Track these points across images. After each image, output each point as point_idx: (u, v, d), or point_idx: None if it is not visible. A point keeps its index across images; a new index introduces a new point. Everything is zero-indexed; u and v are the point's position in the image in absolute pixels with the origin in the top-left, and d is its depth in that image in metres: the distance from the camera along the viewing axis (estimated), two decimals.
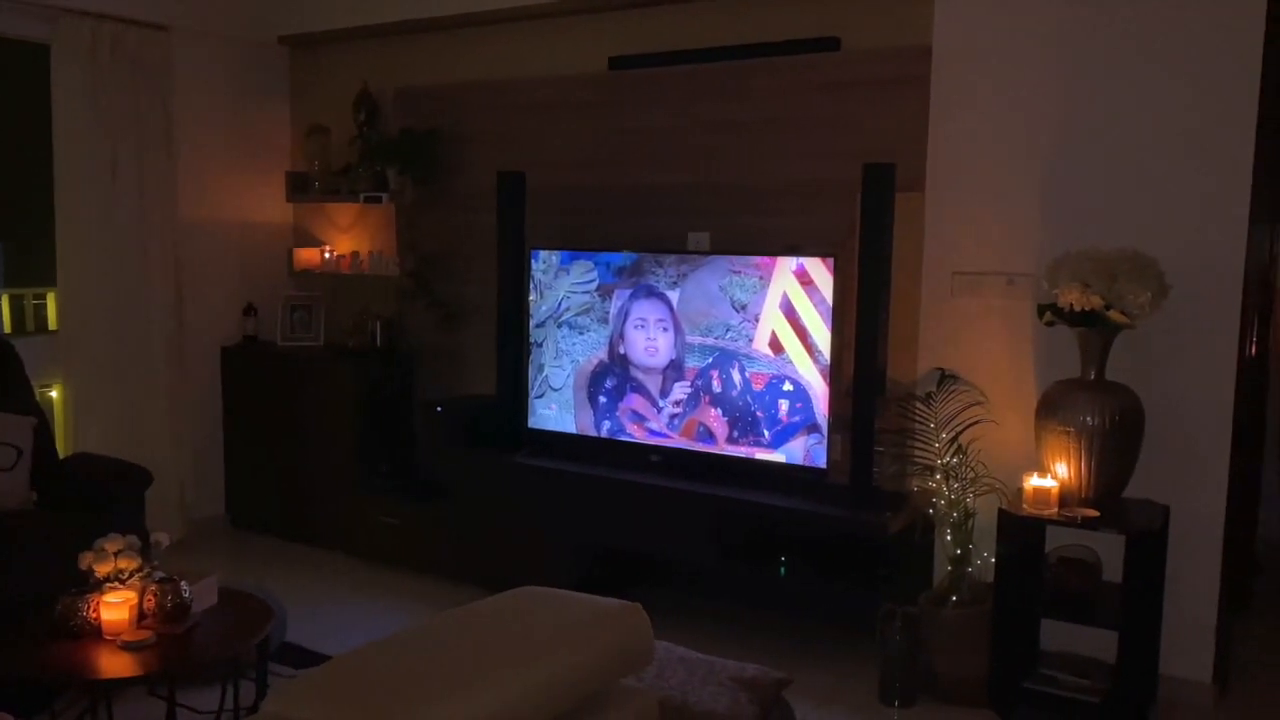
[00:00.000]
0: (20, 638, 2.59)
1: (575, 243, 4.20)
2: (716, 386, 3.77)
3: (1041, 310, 3.13)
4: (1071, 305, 2.98)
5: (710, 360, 3.78)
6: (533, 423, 4.24)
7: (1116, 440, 3.02)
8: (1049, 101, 3.32)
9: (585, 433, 4.11)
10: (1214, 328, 3.13)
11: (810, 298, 3.56)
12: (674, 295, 3.85)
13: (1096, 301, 2.96)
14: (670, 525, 3.73)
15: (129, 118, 4.46)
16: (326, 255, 5.05)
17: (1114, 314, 2.96)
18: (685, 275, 3.82)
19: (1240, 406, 3.16)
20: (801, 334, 3.58)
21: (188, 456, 4.80)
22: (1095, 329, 3.03)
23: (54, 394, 4.54)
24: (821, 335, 3.54)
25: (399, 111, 4.80)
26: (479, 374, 4.64)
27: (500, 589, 1.87)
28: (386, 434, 4.79)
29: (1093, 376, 3.09)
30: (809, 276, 3.56)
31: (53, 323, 5.05)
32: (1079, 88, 3.28)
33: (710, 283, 3.76)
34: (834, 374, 3.54)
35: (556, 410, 4.17)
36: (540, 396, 4.22)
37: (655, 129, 4.17)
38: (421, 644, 1.65)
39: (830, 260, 3.53)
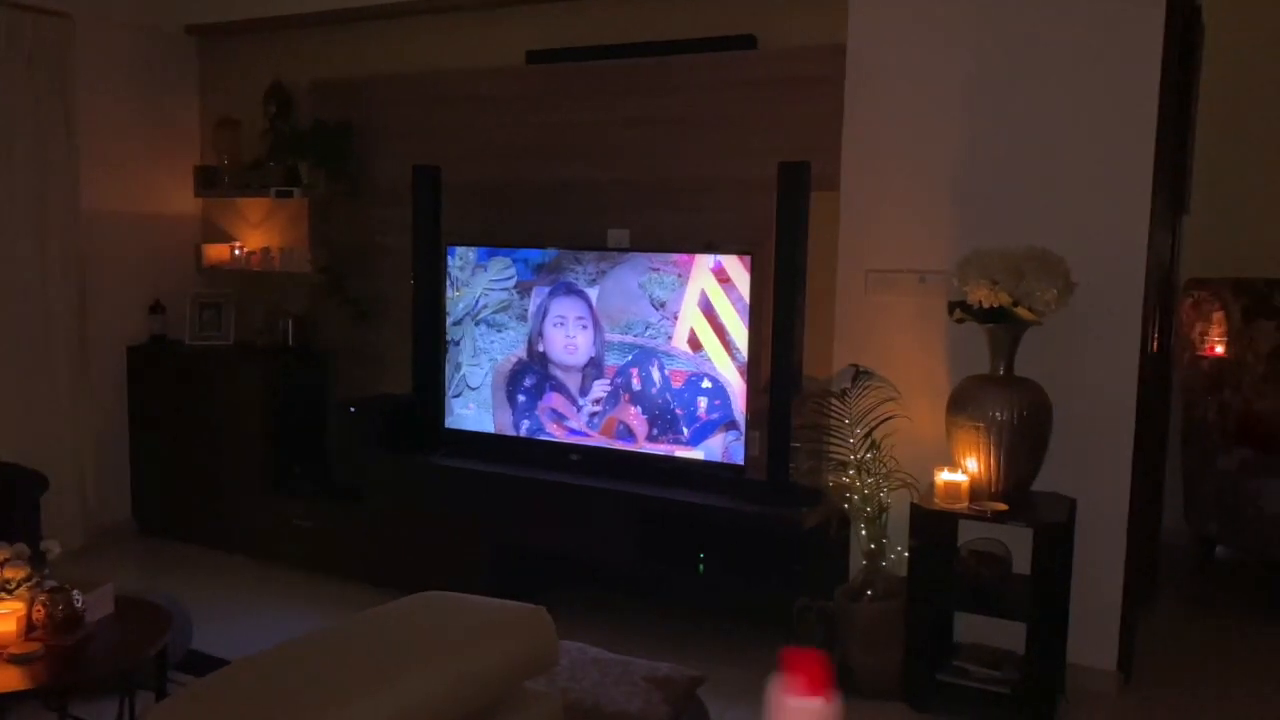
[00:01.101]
0: None
1: (493, 239, 4.15)
2: (636, 384, 3.75)
3: (952, 307, 3.17)
4: (980, 302, 3.02)
5: (630, 358, 3.76)
6: (450, 422, 4.17)
7: (1025, 434, 3.08)
8: (959, 101, 3.37)
9: (504, 432, 4.06)
10: (1118, 324, 3.20)
11: (728, 295, 3.56)
12: (593, 292, 3.82)
13: (1005, 298, 3.01)
14: (590, 524, 3.70)
15: (26, 107, 4.28)
16: (236, 251, 4.91)
17: (1021, 310, 3.01)
18: (605, 272, 3.79)
19: (1143, 401, 3.25)
20: (720, 331, 3.58)
21: (91, 459, 4.62)
22: (1003, 325, 3.08)
23: None
24: (739, 332, 3.55)
25: (312, 104, 4.69)
26: (395, 373, 4.55)
27: (415, 592, 1.82)
28: (300, 435, 4.68)
29: (1001, 372, 3.15)
30: (727, 274, 3.56)
31: None
32: (987, 88, 3.33)
33: (630, 280, 3.74)
34: (751, 371, 3.55)
35: (474, 410, 4.11)
36: (458, 395, 4.15)
37: (574, 124, 4.14)
38: (321, 648, 1.60)
39: (748, 258, 3.53)
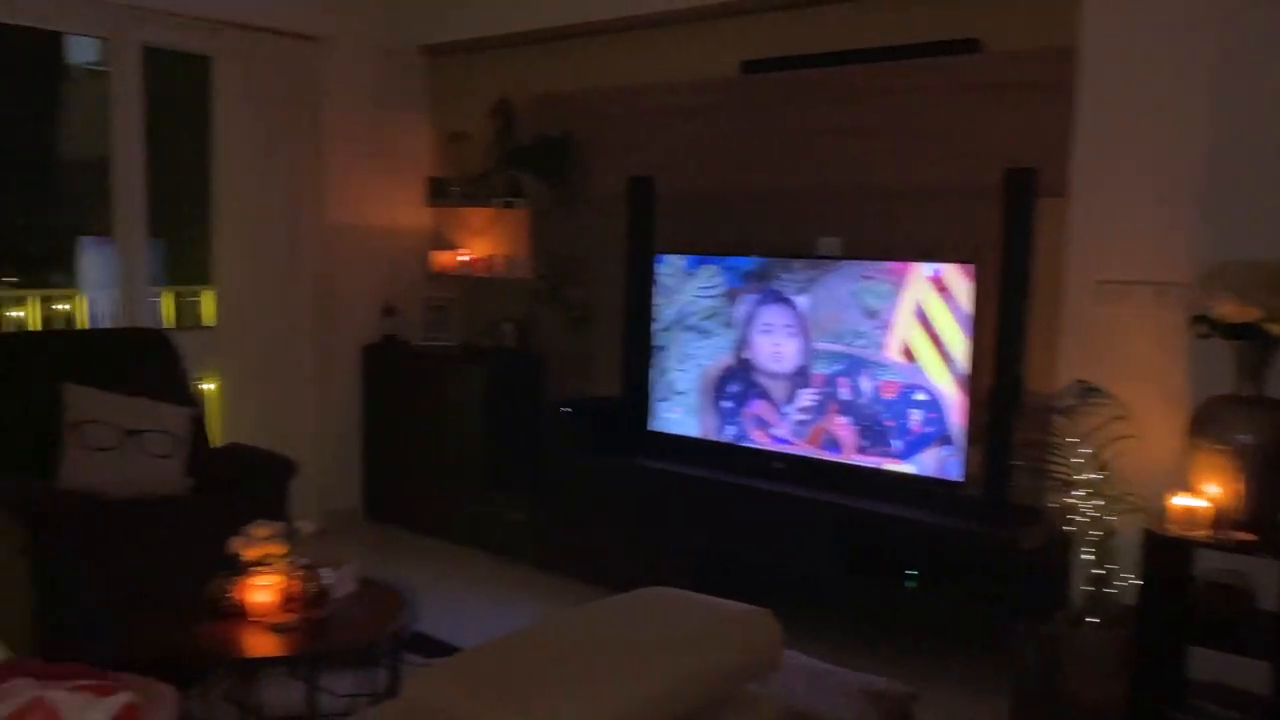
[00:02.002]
0: (176, 616, 2.75)
1: (703, 247, 4.21)
2: (845, 394, 3.72)
3: (1195, 321, 2.97)
4: (1228, 317, 2.82)
5: (839, 367, 3.73)
6: (656, 426, 4.26)
7: (1276, 461, 2.85)
8: (1202, 102, 3.15)
9: (708, 437, 4.11)
10: None
11: (946, 305, 3.47)
12: (802, 300, 3.81)
13: (1254, 313, 2.79)
14: (793, 533, 3.70)
15: (281, 125, 4.69)
16: (462, 258, 5.20)
17: (1274, 326, 2.79)
18: (815, 280, 3.78)
19: None
20: (936, 342, 3.50)
21: (329, 449, 5.01)
22: (1253, 342, 2.86)
23: (209, 387, 4.80)
24: (957, 344, 3.46)
25: (535, 118, 4.91)
26: (604, 376, 4.70)
27: (621, 589, 1.89)
28: (516, 433, 4.90)
29: (1251, 393, 2.92)
30: (945, 284, 3.48)
31: (205, 319, 5.36)
32: (1235, 86, 3.10)
33: (841, 288, 3.72)
34: (970, 384, 3.44)
35: (680, 414, 4.19)
36: (664, 400, 4.24)
37: (786, 132, 4.15)
38: (552, 638, 1.69)
39: (969, 267, 3.44)
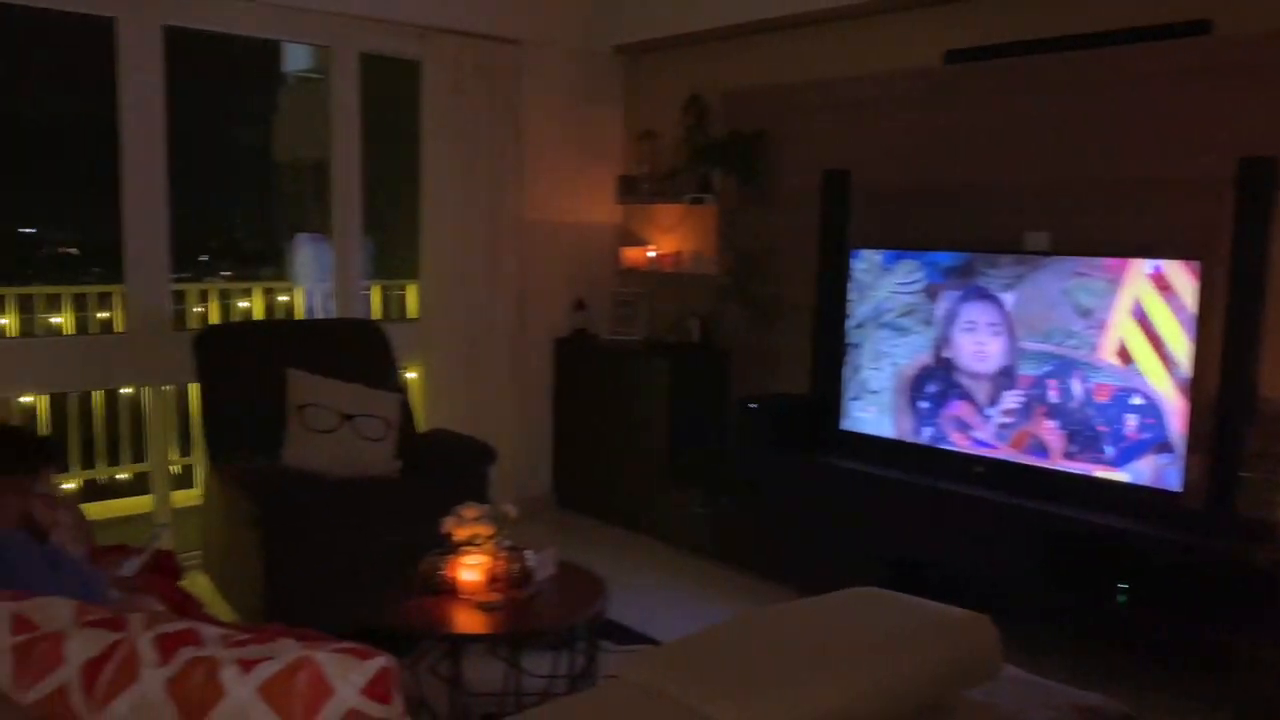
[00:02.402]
0: (389, 591, 2.90)
1: (901, 242, 4.11)
2: (1053, 396, 3.55)
3: None
4: None
5: (1047, 368, 3.56)
6: (847, 425, 4.19)
7: None
8: None
9: (903, 438, 4.01)
10: None
11: (1168, 304, 3.26)
12: (1008, 298, 3.66)
13: None
14: (991, 540, 3.56)
15: (484, 125, 4.88)
16: (651, 254, 5.27)
17: None
18: (1022, 277, 3.63)
19: None
20: (1155, 344, 3.29)
21: (522, 438, 5.19)
22: None
23: (412, 375, 5.06)
24: (1180, 346, 3.24)
25: (726, 114, 4.91)
26: (790, 374, 4.66)
27: (805, 588, 1.88)
28: (700, 427, 4.93)
29: None
30: (1167, 281, 3.27)
31: (411, 311, 5.64)
32: None
33: (1050, 285, 3.55)
34: (1193, 389, 3.22)
35: (873, 413, 4.10)
36: (856, 399, 4.16)
37: (991, 123, 3.99)
38: (764, 633, 1.69)
39: (1194, 264, 3.21)
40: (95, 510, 4.95)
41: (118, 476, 5.10)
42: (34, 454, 2.28)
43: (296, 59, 8.56)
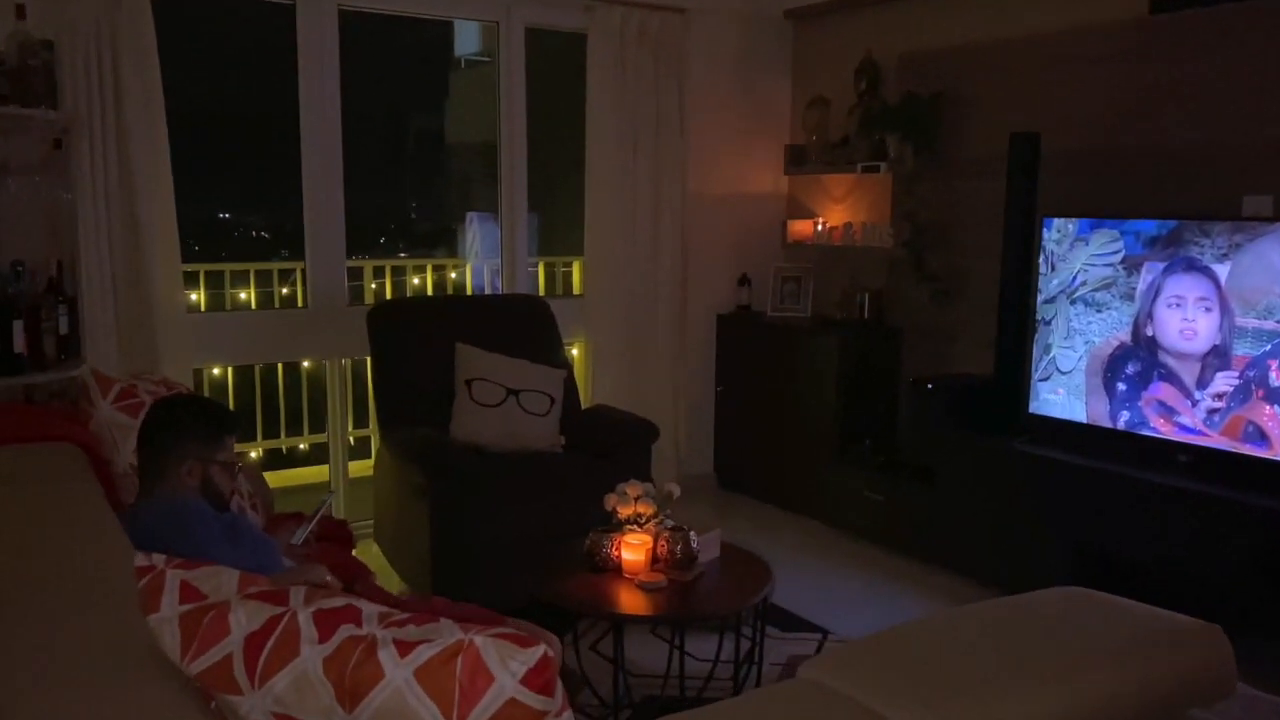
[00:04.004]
0: (551, 565, 2.87)
1: (1096, 210, 3.77)
2: (1275, 380, 3.18)
3: None
4: None
5: (1268, 348, 3.19)
6: (1034, 408, 3.90)
7: None
8: None
9: (1097, 423, 3.70)
10: None
11: None
12: (1222, 270, 3.30)
13: None
14: (1199, 536, 3.22)
15: (648, 97, 4.79)
16: (819, 227, 5.07)
17: None
18: (1239, 246, 3.26)
19: None
20: None
21: (684, 416, 5.10)
22: None
23: (575, 352, 5.04)
24: None
25: (900, 78, 4.65)
26: (968, 352, 4.39)
27: (984, 581, 1.72)
28: (869, 408, 4.71)
29: None
30: None
31: (576, 288, 5.63)
32: None
33: (1272, 255, 3.17)
34: None
35: (1063, 395, 3.80)
36: (1045, 379, 3.87)
37: (1204, 78, 3.60)
38: (958, 633, 1.53)
39: None
40: (276, 479, 5.18)
41: (300, 446, 5.32)
42: (215, 423, 2.33)
43: (467, 42, 8.74)
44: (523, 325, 4.22)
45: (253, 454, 5.16)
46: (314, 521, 2.64)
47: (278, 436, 5.21)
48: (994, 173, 4.04)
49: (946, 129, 4.47)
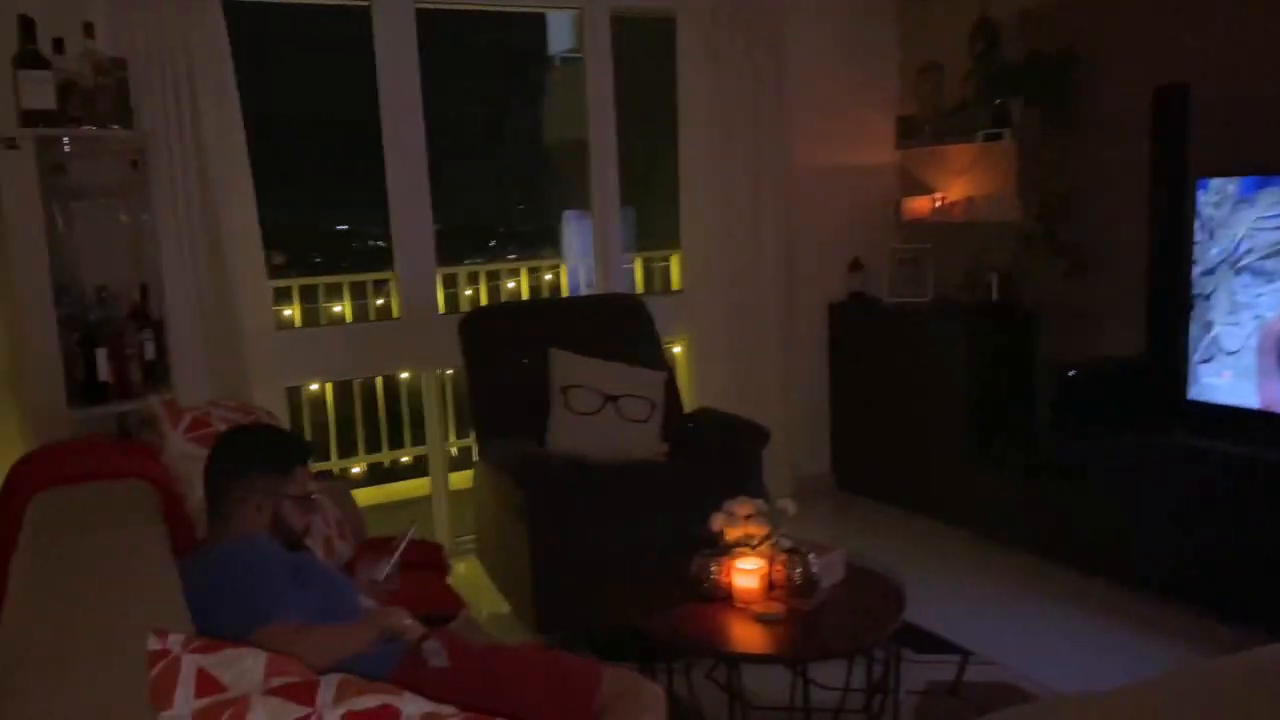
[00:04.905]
0: (658, 594, 2.61)
1: (1262, 166, 3.30)
2: None
3: None
4: None
5: None
6: (1194, 394, 3.46)
7: None
8: None
9: (1272, 408, 3.24)
10: None
11: None
12: None
13: None
14: None
15: (744, 76, 4.47)
16: (937, 203, 4.68)
17: None
18: None
19: None
20: None
21: (796, 414, 4.78)
22: None
23: (677, 350, 4.78)
24: None
25: (1022, 36, 4.22)
26: (1115, 334, 3.94)
27: (1153, 596, 1.34)
28: (1001, 399, 4.30)
29: None
30: None
31: (675, 283, 5.36)
32: None
33: None
34: None
35: (1230, 379, 3.35)
36: (1207, 361, 3.42)
37: None
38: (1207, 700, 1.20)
39: None
40: (380, 494, 5.10)
41: (403, 460, 5.21)
42: (284, 453, 2.16)
43: (561, 40, 8.59)
44: (619, 326, 3.98)
45: (355, 469, 5.07)
46: (396, 555, 2.44)
47: (379, 450, 5.10)
48: (1135, 132, 3.61)
49: (1076, 88, 4.03)
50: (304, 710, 1.02)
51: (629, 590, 2.71)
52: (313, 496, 2.23)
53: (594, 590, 3.18)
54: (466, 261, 6.29)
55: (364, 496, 5.12)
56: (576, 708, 1.79)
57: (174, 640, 1.15)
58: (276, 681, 1.09)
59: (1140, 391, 3.58)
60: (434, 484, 4.30)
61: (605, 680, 1.84)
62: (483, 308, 4.66)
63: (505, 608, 3.61)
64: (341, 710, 1.00)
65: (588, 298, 4.82)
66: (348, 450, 5.04)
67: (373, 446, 5.08)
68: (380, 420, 5.03)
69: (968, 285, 4.49)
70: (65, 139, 3.18)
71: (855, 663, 2.73)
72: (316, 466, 4.83)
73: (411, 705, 1.02)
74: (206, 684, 1.10)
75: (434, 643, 1.92)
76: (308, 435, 4.52)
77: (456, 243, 7.65)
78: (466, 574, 4.02)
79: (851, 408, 4.87)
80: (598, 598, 3.10)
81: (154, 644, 1.15)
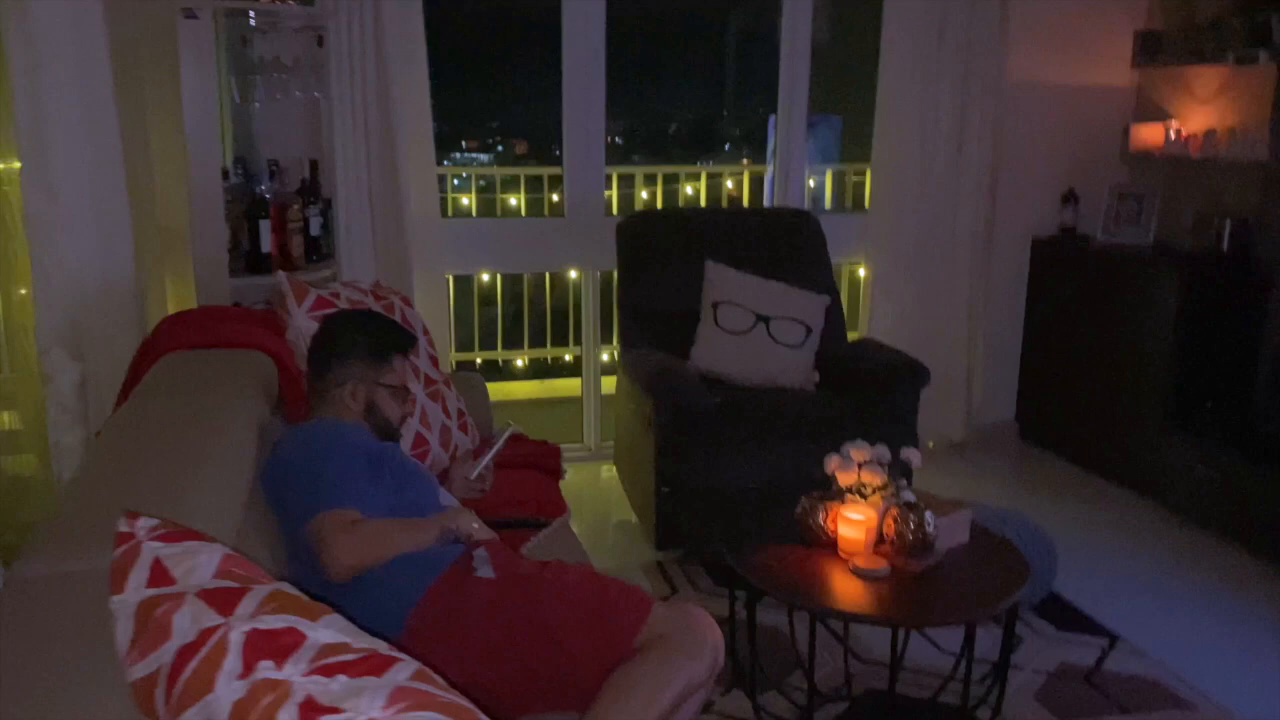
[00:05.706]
0: (762, 529, 2.46)
1: None
2: None
3: None
4: None
5: None
6: None
7: None
8: None
9: None
10: None
11: None
12: None
13: None
14: None
15: None
16: (1173, 134, 4.09)
17: None
18: None
19: None
20: None
21: (981, 355, 4.40)
22: None
23: (861, 273, 4.49)
24: None
25: None
26: None
27: None
28: (1217, 364, 3.78)
29: None
30: None
31: (867, 201, 5.01)
32: None
33: None
34: None
35: None
36: None
37: None
38: None
39: None
40: (539, 389, 5.17)
41: (565, 358, 5.23)
42: (383, 342, 2.14)
43: None
44: (785, 243, 3.75)
45: (518, 361, 5.15)
46: (491, 456, 2.41)
47: (543, 346, 5.14)
48: None
49: None
50: (219, 620, 0.96)
51: (750, 518, 2.58)
52: (408, 389, 2.22)
53: (715, 514, 3.08)
54: (657, 162, 6.13)
55: (524, 390, 5.22)
56: (618, 637, 1.71)
57: (141, 525, 1.13)
58: (213, 584, 1.04)
59: None
60: (585, 386, 4.29)
61: (654, 615, 1.74)
62: (642, 212, 4.53)
63: (633, 517, 3.57)
64: (249, 626, 0.94)
65: (756, 210, 4.59)
66: (513, 342, 5.10)
67: (538, 341, 5.12)
68: (547, 315, 5.05)
69: (1196, 231, 3.93)
70: (251, 13, 3.27)
71: (983, 629, 2.50)
72: (475, 355, 4.97)
73: (320, 633, 0.95)
74: (159, 575, 1.07)
75: (483, 552, 1.87)
76: (474, 325, 4.61)
77: (668, 143, 7.51)
78: (607, 480, 4.01)
79: (1045, 354, 4.43)
80: (717, 522, 2.99)
81: (123, 526, 1.13)
